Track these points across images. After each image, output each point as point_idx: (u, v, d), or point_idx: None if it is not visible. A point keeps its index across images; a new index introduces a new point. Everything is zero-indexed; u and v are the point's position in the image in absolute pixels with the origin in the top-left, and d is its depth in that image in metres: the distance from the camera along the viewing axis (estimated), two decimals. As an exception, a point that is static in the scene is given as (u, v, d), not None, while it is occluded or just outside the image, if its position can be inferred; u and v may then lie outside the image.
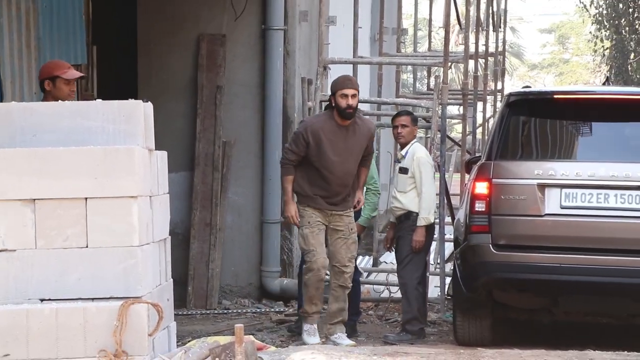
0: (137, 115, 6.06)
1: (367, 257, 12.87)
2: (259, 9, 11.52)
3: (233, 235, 11.61)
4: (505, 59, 19.60)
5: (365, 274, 11.47)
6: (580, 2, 25.61)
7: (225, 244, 11.54)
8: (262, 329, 10.00)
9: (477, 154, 10.97)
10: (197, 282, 11.38)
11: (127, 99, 6.15)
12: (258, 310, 11.11)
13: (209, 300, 11.33)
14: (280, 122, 11.45)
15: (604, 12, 25.13)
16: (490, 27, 16.44)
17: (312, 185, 8.70)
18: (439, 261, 10.92)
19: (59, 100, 6.63)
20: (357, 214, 9.23)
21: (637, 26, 24.98)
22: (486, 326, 8.54)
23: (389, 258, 11.71)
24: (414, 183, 9.24)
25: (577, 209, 8.12)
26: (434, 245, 11.29)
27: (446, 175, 11.52)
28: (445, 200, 10.96)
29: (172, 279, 6.61)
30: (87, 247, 5.84)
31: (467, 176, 9.45)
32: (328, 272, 8.91)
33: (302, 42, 11.77)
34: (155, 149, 6.34)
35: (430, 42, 17.97)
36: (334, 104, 8.67)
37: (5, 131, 6.00)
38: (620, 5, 24.79)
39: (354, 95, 8.61)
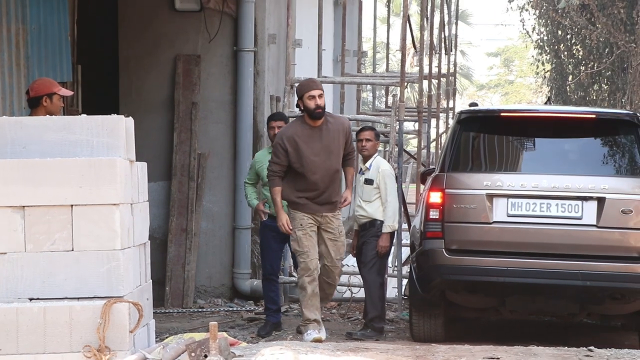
0: (119, 129, 6.03)
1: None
2: (231, 32, 11.50)
3: (207, 240, 11.56)
4: (456, 79, 19.67)
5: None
6: (523, 28, 25.76)
7: (200, 248, 11.49)
8: (234, 326, 9.96)
9: (431, 167, 11.01)
10: (174, 283, 11.32)
11: (109, 114, 6.13)
12: (230, 309, 11.06)
13: (185, 300, 11.27)
14: (250, 136, 11.42)
15: (545, 38, 25.28)
16: (443, 51, 16.51)
17: (299, 191, 8.46)
18: (396, 264, 10.92)
19: (52, 115, 6.62)
20: None
21: (574, 51, 25.15)
22: (440, 324, 8.54)
23: (351, 261, 11.69)
24: (378, 193, 9.23)
25: (522, 217, 8.14)
26: (392, 249, 11.32)
27: (403, 186, 11.54)
28: (402, 209, 10.97)
29: (151, 280, 6.58)
30: (72, 250, 5.81)
31: (422, 186, 9.46)
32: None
33: (270, 63, 11.76)
34: (136, 161, 6.31)
35: (388, 63, 18.01)
36: (302, 108, 8.43)
37: (-3, 143, 5.95)
38: (560, 32, 24.95)
39: (320, 95, 8.37)
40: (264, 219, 9.52)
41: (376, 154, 9.47)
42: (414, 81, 13.20)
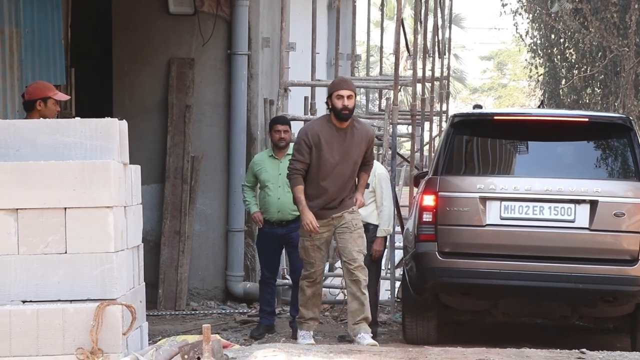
0: (112, 132, 6.03)
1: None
2: (225, 35, 11.50)
3: (200, 243, 11.56)
4: (450, 83, 19.69)
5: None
6: (516, 32, 25.80)
7: (193, 250, 11.49)
8: (227, 328, 9.96)
9: (424, 170, 11.03)
10: (167, 286, 11.32)
11: (103, 117, 6.13)
12: (223, 311, 11.06)
13: (178, 302, 11.27)
14: (244, 139, 11.42)
15: (538, 41, 25.33)
16: (436, 54, 16.52)
17: (311, 199, 7.99)
18: (389, 267, 10.93)
19: (45, 118, 6.63)
20: None
21: (567, 55, 25.20)
22: (432, 326, 8.56)
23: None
24: (373, 197, 9.11)
25: (515, 220, 8.16)
26: (385, 252, 11.32)
27: (396, 189, 11.55)
28: (396, 212, 10.98)
29: (144, 283, 6.58)
30: (66, 253, 5.81)
31: (415, 190, 9.48)
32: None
33: (264, 66, 11.76)
34: (130, 163, 6.31)
35: (381, 67, 18.02)
36: (330, 106, 8.05)
37: (-9, 146, 5.95)
38: (553, 36, 25.00)
39: (349, 97, 7.97)
40: (260, 227, 9.49)
41: None
42: (408, 84, 13.21)
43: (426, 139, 15.61)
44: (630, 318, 8.33)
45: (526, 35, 25.57)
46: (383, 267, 10.67)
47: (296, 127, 11.86)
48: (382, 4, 17.75)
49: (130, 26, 11.65)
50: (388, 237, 9.36)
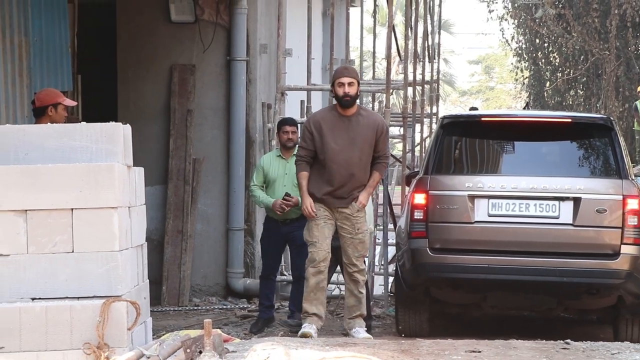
0: (117, 136, 6.02)
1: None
2: (225, 42, 11.49)
3: (202, 241, 11.55)
4: (439, 86, 19.69)
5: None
6: (503, 37, 25.82)
7: (195, 248, 11.48)
8: (228, 323, 9.95)
9: (415, 169, 11.02)
10: (170, 283, 11.30)
11: (108, 122, 6.12)
12: (224, 307, 11.05)
13: (180, 299, 11.25)
14: (243, 142, 11.41)
15: (524, 46, 25.35)
16: (426, 59, 16.52)
17: (318, 184, 7.84)
18: (383, 263, 10.92)
19: (55, 124, 6.63)
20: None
21: (551, 58, 25.23)
22: (424, 319, 8.55)
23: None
24: None
25: (502, 216, 8.15)
26: (378, 249, 11.31)
27: (389, 188, 11.54)
28: (388, 210, 10.98)
29: (148, 280, 6.57)
30: (73, 252, 5.80)
31: (407, 188, 9.46)
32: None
33: (262, 72, 11.75)
34: (134, 166, 6.30)
35: (374, 71, 18.01)
36: (334, 95, 7.89)
37: (0, 150, 5.94)
38: (537, 41, 25.02)
39: (350, 84, 7.79)
40: (287, 209, 9.02)
41: None
42: (399, 88, 13.21)
43: (417, 140, 15.60)
44: (613, 310, 8.33)
45: (512, 40, 25.61)
46: (377, 263, 10.67)
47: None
48: (375, 11, 17.74)
49: (134, 34, 11.64)
50: (370, 235, 9.23)
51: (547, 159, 8.64)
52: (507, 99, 42.23)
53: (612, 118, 8.89)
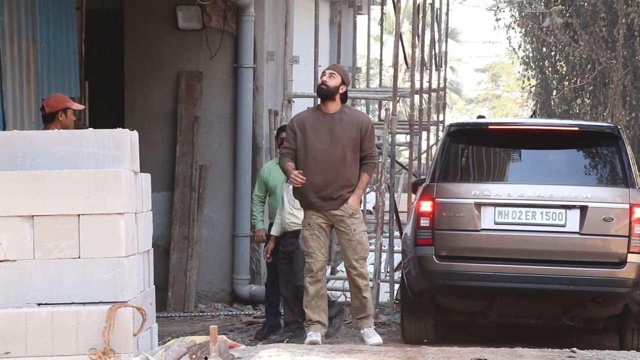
0: (124, 142, 6.03)
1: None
2: (232, 49, 11.52)
3: (208, 248, 11.56)
4: (446, 94, 19.67)
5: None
6: (509, 46, 25.80)
7: (201, 255, 11.49)
8: (234, 329, 9.95)
9: (422, 177, 11.00)
10: (176, 288, 11.31)
11: (115, 128, 6.13)
12: (230, 313, 11.05)
13: (186, 305, 11.26)
14: (250, 149, 11.43)
15: (530, 54, 25.33)
16: (433, 67, 16.51)
17: (306, 189, 7.72)
18: (389, 270, 10.91)
19: (66, 129, 6.66)
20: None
21: (558, 67, 25.20)
22: (430, 327, 8.53)
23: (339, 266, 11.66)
24: None
25: (508, 224, 8.14)
26: (384, 255, 11.29)
27: (395, 195, 11.54)
28: (395, 217, 10.97)
29: (154, 286, 6.57)
30: (79, 257, 5.80)
31: (413, 196, 9.45)
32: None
33: (269, 79, 11.77)
34: (140, 172, 6.31)
35: (381, 79, 17.98)
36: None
37: (8, 156, 5.96)
38: (544, 49, 25.00)
39: (331, 75, 7.76)
40: (262, 242, 9.45)
41: None
42: (406, 96, 13.20)
43: (423, 147, 15.59)
44: (619, 318, 8.31)
45: (519, 49, 25.59)
46: (383, 270, 10.65)
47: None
48: (382, 19, 17.74)
49: (141, 41, 11.67)
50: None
51: (554, 167, 8.64)
52: (513, 107, 42.20)
53: (619, 127, 8.88)
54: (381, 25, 17.51)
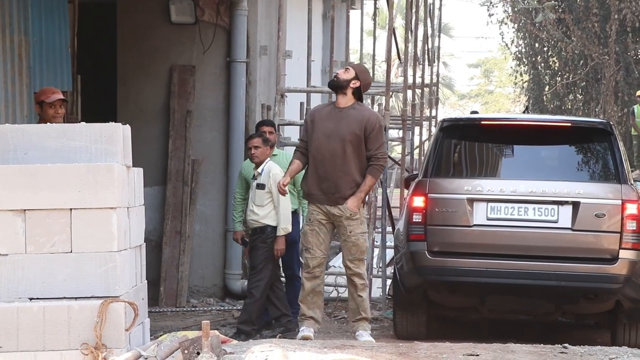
0: (116, 136, 6.02)
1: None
2: (225, 43, 11.49)
3: (200, 242, 11.54)
4: (439, 89, 19.67)
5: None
6: (502, 41, 25.83)
7: (194, 249, 11.46)
8: (226, 324, 9.93)
9: (414, 172, 11.01)
10: (168, 283, 11.29)
11: (107, 122, 6.11)
12: (222, 308, 11.04)
13: (178, 300, 11.24)
14: (242, 143, 11.38)
15: (523, 50, 25.37)
16: (426, 62, 16.50)
17: (309, 178, 7.84)
18: (381, 265, 10.91)
19: (48, 122, 6.64)
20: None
21: (550, 63, 25.24)
22: (422, 322, 8.53)
23: (337, 262, 11.67)
24: (270, 198, 8.84)
25: (501, 220, 8.14)
26: (376, 251, 11.29)
27: (387, 190, 11.53)
28: (387, 212, 10.96)
29: (146, 281, 6.56)
30: (71, 252, 5.79)
31: (405, 191, 9.45)
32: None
33: (262, 73, 11.74)
34: (133, 166, 6.29)
35: (373, 74, 17.93)
36: None
37: (0, 149, 5.94)
38: (537, 45, 25.04)
39: (346, 69, 7.90)
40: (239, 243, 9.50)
41: (268, 159, 9.02)
42: (399, 91, 13.20)
43: (416, 142, 15.59)
44: (610, 314, 8.31)
45: (511, 44, 25.63)
46: (375, 265, 10.65)
47: (293, 132, 11.87)
48: (375, 14, 17.73)
49: (134, 35, 11.63)
50: (290, 236, 9.08)
51: (546, 163, 8.64)
52: (506, 103, 42.25)
53: (611, 122, 8.89)
54: (374, 20, 17.50)
